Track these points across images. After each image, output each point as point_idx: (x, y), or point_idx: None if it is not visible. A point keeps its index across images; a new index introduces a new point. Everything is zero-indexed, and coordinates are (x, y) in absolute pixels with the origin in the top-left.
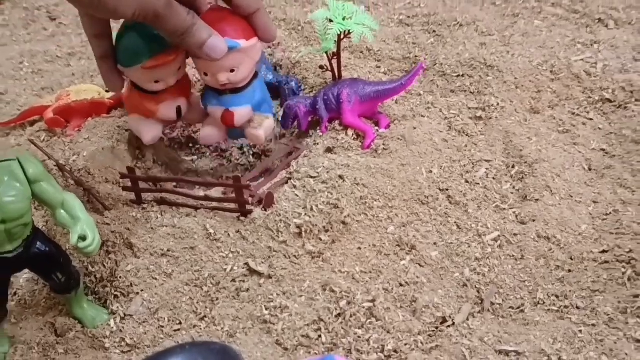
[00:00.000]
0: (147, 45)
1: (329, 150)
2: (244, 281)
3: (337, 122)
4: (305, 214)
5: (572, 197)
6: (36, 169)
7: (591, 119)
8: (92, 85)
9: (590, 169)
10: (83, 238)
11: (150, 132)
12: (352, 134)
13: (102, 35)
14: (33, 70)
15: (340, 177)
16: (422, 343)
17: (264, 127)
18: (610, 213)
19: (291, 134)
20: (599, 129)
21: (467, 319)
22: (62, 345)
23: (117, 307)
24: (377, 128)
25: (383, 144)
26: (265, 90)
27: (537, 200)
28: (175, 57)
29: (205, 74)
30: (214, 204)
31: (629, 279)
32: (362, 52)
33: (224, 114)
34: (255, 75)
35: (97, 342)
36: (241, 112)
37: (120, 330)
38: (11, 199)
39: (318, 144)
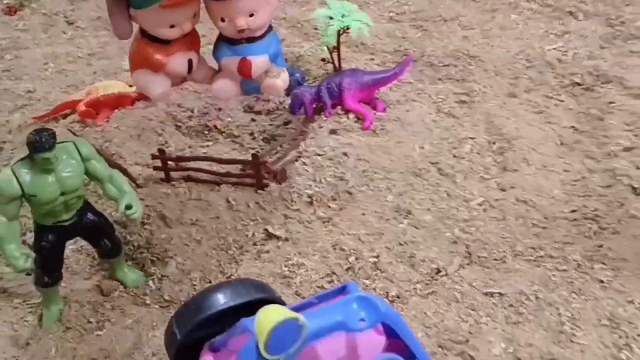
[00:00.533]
0: None
1: (333, 131)
2: (264, 244)
3: (339, 107)
4: (315, 186)
5: (545, 167)
6: (88, 150)
7: (562, 101)
8: (117, 81)
9: (562, 144)
10: (129, 207)
11: (158, 87)
12: (353, 117)
13: None
14: (58, 70)
15: (344, 154)
16: (420, 290)
17: (282, 78)
18: (578, 179)
19: (298, 119)
20: (570, 109)
21: (458, 270)
22: (109, 302)
23: (155, 270)
24: (375, 112)
25: (380, 125)
26: (280, 44)
27: (515, 170)
28: None
29: (222, 20)
30: (235, 180)
31: (594, 233)
32: (357, 46)
33: (240, 64)
34: (270, 28)
35: (139, 299)
36: (259, 61)
37: (158, 289)
38: (69, 174)
39: (323, 127)
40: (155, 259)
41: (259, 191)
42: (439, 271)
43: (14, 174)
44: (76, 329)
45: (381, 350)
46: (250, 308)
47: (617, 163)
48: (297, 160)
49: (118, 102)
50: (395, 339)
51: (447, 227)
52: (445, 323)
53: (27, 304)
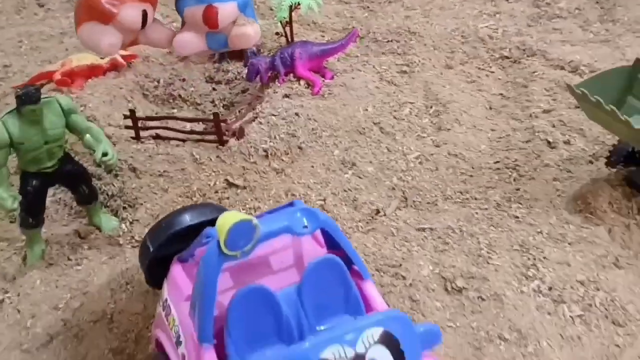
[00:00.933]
0: None
1: (286, 96)
2: (224, 192)
3: (291, 75)
4: (270, 142)
5: (475, 127)
6: (69, 104)
7: (493, 72)
8: (89, 54)
9: (490, 108)
10: (105, 154)
11: (107, 39)
12: (304, 84)
13: None
14: (32, 47)
15: (296, 114)
16: (361, 227)
17: (253, 27)
18: (503, 137)
19: (255, 87)
20: (499, 79)
21: (395, 211)
22: (86, 244)
23: (126, 215)
24: (323, 79)
25: (328, 90)
26: None
27: (448, 130)
28: None
29: None
30: (198, 137)
31: (513, 179)
32: (309, 24)
33: (205, 11)
34: None
35: (113, 240)
36: (226, 9)
37: (130, 231)
38: (52, 125)
39: (277, 92)
40: (127, 205)
41: (220, 147)
42: (378, 212)
43: (3, 124)
44: (58, 265)
45: None
46: (212, 225)
47: (536, 122)
48: (254, 120)
49: (90, 72)
50: (334, 250)
51: (386, 176)
52: (382, 252)
53: (12, 247)
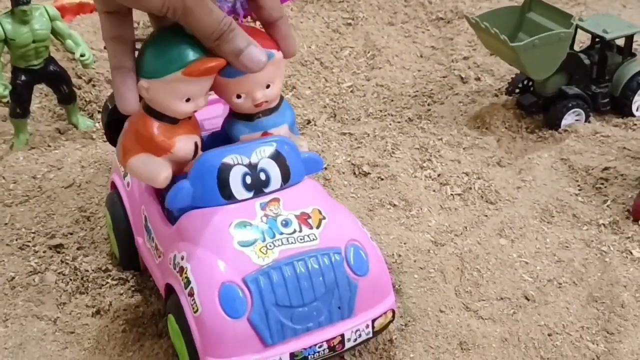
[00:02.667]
0: (187, 48)
1: None
2: None
3: (249, 17)
4: None
5: (404, 67)
6: (55, 12)
7: (429, 30)
8: None
9: (421, 56)
10: (83, 54)
11: (165, 172)
12: (259, 25)
13: (122, 38)
14: None
15: None
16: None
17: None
18: (425, 74)
19: None
20: (432, 35)
21: (324, 122)
22: (64, 137)
23: (99, 117)
24: None
25: None
26: (293, 110)
27: (380, 68)
28: (218, 64)
29: (238, 96)
30: None
31: (427, 103)
32: None
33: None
34: (281, 96)
35: (87, 135)
36: (280, 132)
37: (101, 128)
38: (39, 26)
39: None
40: (100, 110)
41: None
42: (309, 122)
43: None
44: (39, 149)
45: None
46: None
47: (456, 65)
48: None
49: (79, 9)
50: None
51: (320, 98)
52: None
53: (1, 138)
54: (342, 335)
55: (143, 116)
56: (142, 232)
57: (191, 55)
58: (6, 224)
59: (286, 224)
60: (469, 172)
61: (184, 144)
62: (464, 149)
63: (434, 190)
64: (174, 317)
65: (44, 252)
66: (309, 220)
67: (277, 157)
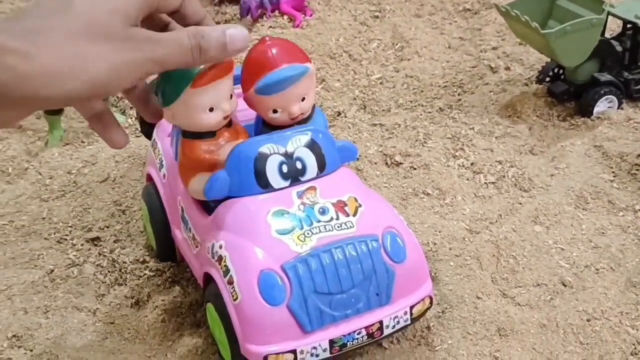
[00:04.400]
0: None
1: (270, 27)
2: None
3: (277, 12)
4: None
5: (432, 58)
6: None
7: (456, 21)
8: None
9: (449, 47)
10: None
11: None
12: (287, 18)
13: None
14: None
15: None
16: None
17: None
18: (454, 65)
19: (247, 22)
20: (460, 27)
21: (354, 114)
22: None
23: (132, 113)
24: (304, 16)
25: (307, 24)
26: (325, 117)
27: (409, 60)
28: (225, 69)
29: (275, 111)
30: None
31: (457, 93)
32: None
33: None
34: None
35: None
36: None
37: (134, 124)
38: None
39: (264, 25)
40: (132, 106)
41: None
42: (339, 114)
43: None
44: (73, 145)
45: None
46: None
47: (485, 55)
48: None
49: None
50: None
51: (350, 90)
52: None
53: (36, 135)
54: (381, 322)
55: (184, 142)
56: (179, 223)
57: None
58: (44, 218)
59: (323, 211)
60: (502, 161)
61: (227, 152)
62: (496, 137)
63: (467, 179)
64: (213, 305)
65: (82, 245)
66: (346, 208)
67: (312, 145)
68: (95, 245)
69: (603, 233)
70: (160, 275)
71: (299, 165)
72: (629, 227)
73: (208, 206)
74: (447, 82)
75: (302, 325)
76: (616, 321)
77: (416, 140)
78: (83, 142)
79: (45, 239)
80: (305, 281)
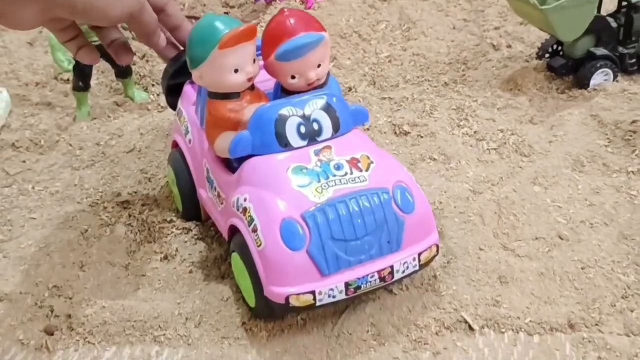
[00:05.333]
0: (216, 28)
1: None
2: None
3: None
4: None
5: (438, 38)
6: None
7: (460, 4)
8: None
9: (454, 28)
10: None
11: None
12: (299, 1)
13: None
14: None
15: None
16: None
17: None
18: (459, 44)
19: (261, 5)
20: (464, 9)
21: (365, 89)
22: (122, 109)
23: (154, 90)
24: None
25: (318, 6)
26: (338, 85)
27: (415, 39)
28: (249, 34)
29: (293, 77)
30: None
31: (462, 69)
32: None
33: None
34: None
35: (143, 106)
36: None
37: (156, 100)
38: None
39: (277, 7)
40: (155, 83)
41: None
42: (350, 89)
43: None
44: (100, 119)
45: None
46: None
47: (487, 34)
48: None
49: None
50: None
51: (360, 67)
52: None
53: (65, 111)
54: (392, 267)
55: (210, 103)
56: (204, 184)
57: (220, 30)
58: (75, 185)
59: (338, 167)
60: (504, 129)
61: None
62: (498, 109)
63: (471, 146)
64: (239, 254)
65: (112, 207)
66: (359, 164)
67: (327, 108)
68: (125, 208)
69: (598, 192)
70: (186, 234)
71: (315, 126)
72: (621, 186)
73: (231, 166)
74: (451, 59)
75: (320, 269)
76: (608, 269)
77: (423, 112)
78: (109, 116)
79: (78, 202)
80: (323, 228)
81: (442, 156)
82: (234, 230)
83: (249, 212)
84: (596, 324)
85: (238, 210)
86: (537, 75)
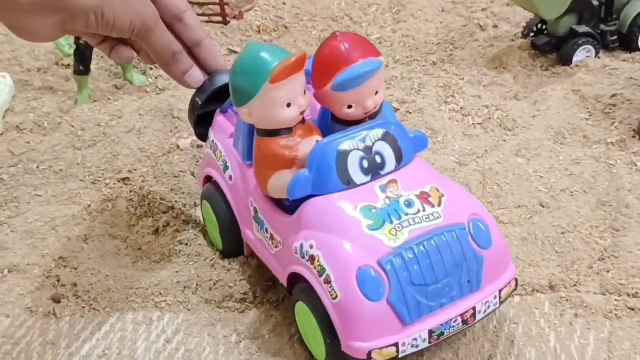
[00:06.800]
0: (263, 60)
1: None
2: (226, 55)
3: None
4: (262, 21)
5: (427, 20)
6: None
7: None
8: None
9: (442, 10)
10: None
11: None
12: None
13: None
14: None
15: (283, 3)
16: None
17: None
18: (447, 25)
19: None
20: None
21: None
22: (121, 91)
23: (152, 73)
24: None
25: None
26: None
27: (405, 21)
28: (300, 64)
29: (349, 107)
30: (206, 18)
31: (449, 49)
32: None
33: None
34: None
35: (142, 89)
36: None
37: (154, 83)
38: None
39: None
40: (154, 67)
41: (223, 26)
42: None
43: None
44: (100, 101)
45: None
46: None
47: (475, 15)
48: (251, 9)
49: None
50: None
51: None
52: None
53: (66, 95)
54: (474, 308)
55: (261, 141)
56: (251, 224)
57: (269, 62)
58: (78, 163)
59: (409, 204)
60: (489, 105)
61: (307, 148)
62: (483, 86)
63: (457, 121)
64: (307, 306)
65: (114, 184)
66: (430, 199)
67: (388, 138)
68: (126, 184)
69: (578, 162)
70: (183, 206)
71: (378, 159)
72: (600, 157)
73: (281, 204)
74: (439, 40)
75: (402, 318)
76: (587, 233)
77: (411, 89)
78: (109, 99)
79: (80, 180)
80: (402, 274)
81: (430, 131)
82: (295, 278)
83: (317, 260)
84: (574, 285)
85: (303, 258)
86: (522, 53)
